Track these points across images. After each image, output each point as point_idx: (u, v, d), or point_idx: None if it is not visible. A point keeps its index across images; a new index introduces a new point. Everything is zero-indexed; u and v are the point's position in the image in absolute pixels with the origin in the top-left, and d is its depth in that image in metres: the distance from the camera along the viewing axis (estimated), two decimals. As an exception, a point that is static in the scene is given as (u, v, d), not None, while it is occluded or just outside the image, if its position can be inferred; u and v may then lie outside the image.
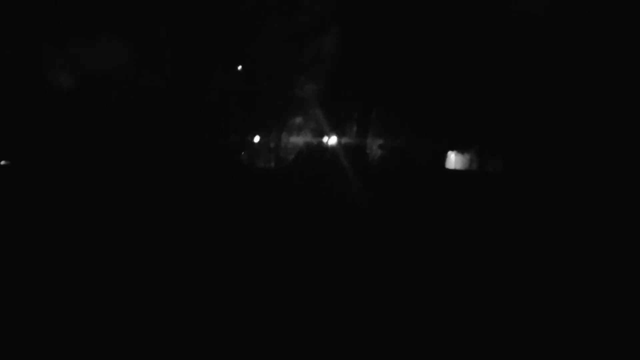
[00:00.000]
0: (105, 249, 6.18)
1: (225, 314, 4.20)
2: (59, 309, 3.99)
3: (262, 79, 15.09)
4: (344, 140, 16.93)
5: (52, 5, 11.82)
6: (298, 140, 17.72)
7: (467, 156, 17.73)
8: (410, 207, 10.82)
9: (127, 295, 4.66)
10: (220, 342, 3.73)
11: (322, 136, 17.55)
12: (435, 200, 11.16)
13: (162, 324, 3.96)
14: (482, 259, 6.61)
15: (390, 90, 15.54)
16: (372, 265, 6.22)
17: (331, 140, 17.68)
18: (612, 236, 7.12)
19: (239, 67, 15.56)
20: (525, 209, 9.69)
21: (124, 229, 7.22)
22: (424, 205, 10.91)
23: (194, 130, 14.46)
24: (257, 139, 17.97)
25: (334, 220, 9.37)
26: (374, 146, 17.14)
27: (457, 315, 4.37)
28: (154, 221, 8.00)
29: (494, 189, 13.33)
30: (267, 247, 6.89)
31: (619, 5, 12.37)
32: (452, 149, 17.99)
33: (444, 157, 18.09)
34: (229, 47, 14.30)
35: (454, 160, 17.72)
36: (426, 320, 4.24)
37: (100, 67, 12.87)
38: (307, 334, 3.90)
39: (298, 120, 17.16)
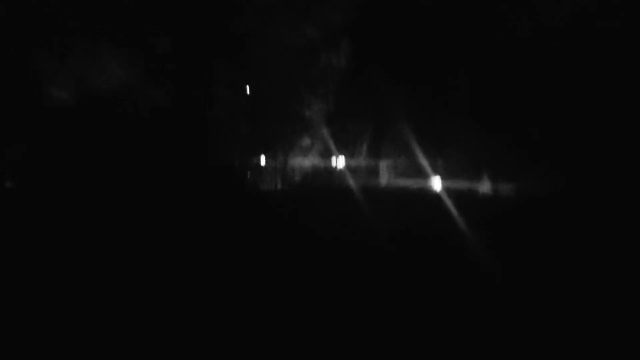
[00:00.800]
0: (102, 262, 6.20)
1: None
2: (59, 310, 3.98)
3: (268, 97, 14.54)
4: (353, 162, 16.37)
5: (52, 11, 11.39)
6: (305, 161, 17.16)
7: (480, 177, 17.07)
8: (423, 231, 10.21)
9: (127, 298, 4.73)
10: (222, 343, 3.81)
11: (330, 157, 17.04)
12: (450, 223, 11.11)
13: (163, 325, 4.01)
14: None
15: (404, 110, 15.05)
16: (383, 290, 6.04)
17: (340, 161, 17.15)
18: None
19: (246, 86, 15.04)
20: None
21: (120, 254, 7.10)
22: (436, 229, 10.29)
23: (196, 149, 13.85)
24: (263, 160, 17.35)
25: (342, 243, 8.82)
26: (384, 167, 16.52)
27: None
28: (154, 247, 7.83)
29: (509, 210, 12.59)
30: (271, 272, 6.69)
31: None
32: (464, 170, 17.35)
33: (454, 178, 17.48)
34: (233, 62, 13.79)
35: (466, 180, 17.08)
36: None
37: (100, 80, 12.38)
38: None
39: (306, 140, 16.60)
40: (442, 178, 18.01)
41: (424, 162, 16.51)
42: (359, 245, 8.67)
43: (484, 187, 17.08)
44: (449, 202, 14.38)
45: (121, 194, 11.57)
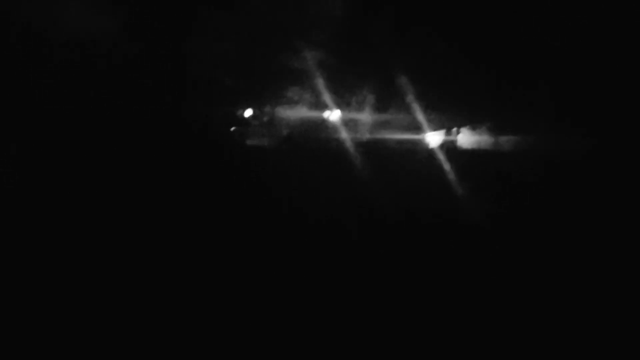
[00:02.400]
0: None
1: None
2: (59, 309, 3.93)
3: (255, 42, 13.21)
4: (348, 115, 15.23)
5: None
6: (296, 114, 15.97)
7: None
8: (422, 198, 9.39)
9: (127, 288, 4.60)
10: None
11: (322, 110, 15.85)
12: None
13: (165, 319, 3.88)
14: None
15: (405, 61, 13.86)
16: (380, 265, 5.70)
17: (333, 115, 15.96)
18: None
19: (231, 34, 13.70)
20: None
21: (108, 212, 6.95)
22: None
23: (174, 100, 12.63)
24: (248, 112, 16.14)
25: (333, 213, 8.07)
26: (381, 121, 15.46)
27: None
28: (135, 208, 7.53)
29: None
30: (257, 242, 6.34)
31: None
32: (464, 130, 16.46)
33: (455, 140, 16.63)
34: (215, 7, 12.42)
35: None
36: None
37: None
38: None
39: (296, 91, 15.37)
40: (441, 132, 17.16)
41: (423, 116, 15.55)
42: (354, 213, 7.85)
43: (485, 140, 16.25)
44: (446, 159, 13.48)
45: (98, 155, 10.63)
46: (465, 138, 15.98)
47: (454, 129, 16.00)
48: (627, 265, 5.55)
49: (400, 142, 15.69)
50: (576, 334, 3.87)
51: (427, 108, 16.03)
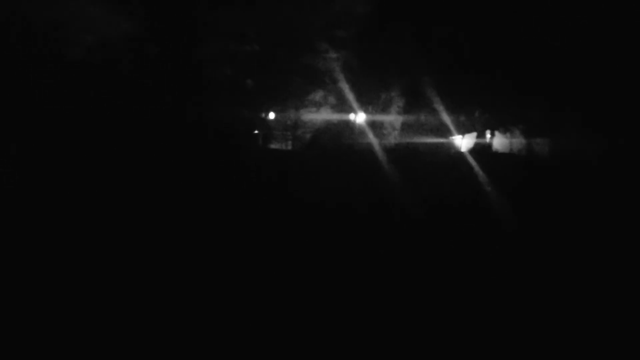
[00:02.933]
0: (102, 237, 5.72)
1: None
2: (58, 307, 3.74)
3: (278, 44, 12.81)
4: (374, 118, 14.71)
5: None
6: (319, 117, 15.52)
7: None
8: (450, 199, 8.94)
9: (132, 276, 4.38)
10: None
11: (348, 113, 15.34)
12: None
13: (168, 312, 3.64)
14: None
15: (434, 62, 13.33)
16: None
17: (359, 118, 15.42)
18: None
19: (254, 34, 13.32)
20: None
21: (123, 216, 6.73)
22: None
23: (196, 104, 12.30)
24: (272, 115, 15.77)
25: (359, 215, 7.73)
26: (406, 126, 14.90)
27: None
28: (155, 213, 7.25)
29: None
30: (280, 242, 6.00)
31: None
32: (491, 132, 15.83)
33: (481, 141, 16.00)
34: (238, 6, 12.04)
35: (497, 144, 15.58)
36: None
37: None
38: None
39: (320, 94, 14.92)
40: (472, 135, 16.53)
41: (453, 118, 14.96)
42: (379, 221, 7.51)
43: (511, 145, 15.58)
44: (479, 162, 12.84)
45: (119, 152, 10.65)
46: (499, 141, 15.33)
47: (487, 132, 15.36)
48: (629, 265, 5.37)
49: (430, 146, 15.14)
50: (576, 334, 3.67)
51: (457, 110, 15.45)
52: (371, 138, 15.09)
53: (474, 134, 15.86)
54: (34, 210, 7.00)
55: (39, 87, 10.49)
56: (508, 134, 15.70)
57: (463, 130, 16.67)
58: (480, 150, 15.02)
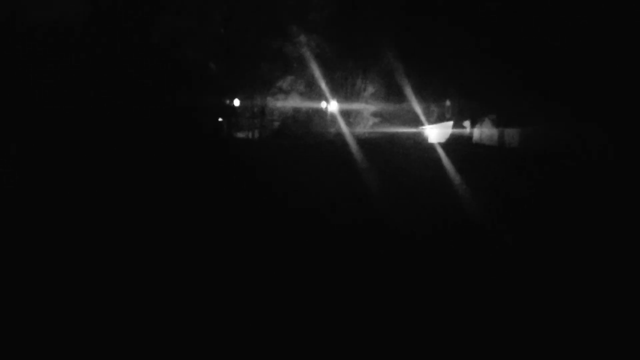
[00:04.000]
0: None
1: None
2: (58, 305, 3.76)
3: (244, 23, 11.98)
4: (345, 106, 13.99)
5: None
6: (288, 105, 14.71)
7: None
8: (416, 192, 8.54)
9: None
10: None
11: (319, 101, 14.55)
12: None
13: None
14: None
15: (410, 48, 12.64)
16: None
17: (330, 106, 14.63)
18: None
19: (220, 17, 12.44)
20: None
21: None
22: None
23: (153, 89, 11.40)
24: (237, 102, 14.93)
25: (328, 211, 7.23)
26: (382, 114, 14.27)
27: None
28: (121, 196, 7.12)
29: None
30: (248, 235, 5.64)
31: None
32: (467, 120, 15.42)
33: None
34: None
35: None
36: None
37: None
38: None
39: (289, 80, 14.10)
40: (441, 125, 16.06)
41: (422, 108, 14.41)
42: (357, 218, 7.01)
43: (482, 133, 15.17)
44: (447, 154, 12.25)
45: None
46: (478, 131, 14.89)
47: (467, 122, 14.87)
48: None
49: (401, 136, 14.56)
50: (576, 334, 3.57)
51: (429, 99, 14.94)
52: (342, 127, 14.48)
53: (447, 124, 15.38)
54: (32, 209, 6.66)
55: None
56: (488, 124, 15.23)
57: (433, 120, 16.20)
58: (457, 141, 14.51)
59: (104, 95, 11.20)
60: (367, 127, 15.06)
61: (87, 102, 11.05)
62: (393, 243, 5.74)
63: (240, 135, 16.51)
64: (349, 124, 14.60)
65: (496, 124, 14.43)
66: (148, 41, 10.91)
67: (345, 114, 14.46)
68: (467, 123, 15.19)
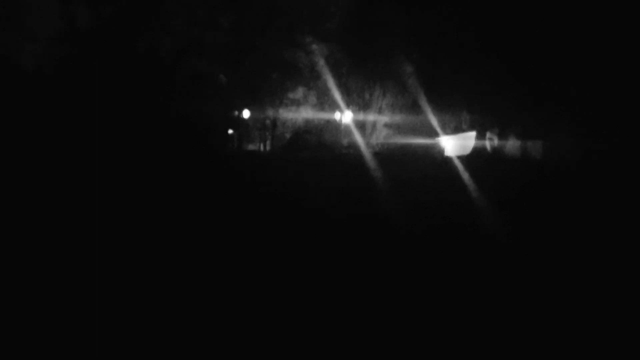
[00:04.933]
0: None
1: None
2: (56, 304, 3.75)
3: (255, 32, 11.59)
4: (360, 118, 13.49)
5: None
6: (301, 116, 14.26)
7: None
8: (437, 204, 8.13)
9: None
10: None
11: (332, 112, 14.06)
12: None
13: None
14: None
15: (426, 56, 12.14)
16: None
17: (344, 117, 14.11)
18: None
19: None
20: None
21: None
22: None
23: (163, 100, 11.03)
24: (247, 113, 14.53)
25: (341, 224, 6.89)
26: (397, 125, 13.74)
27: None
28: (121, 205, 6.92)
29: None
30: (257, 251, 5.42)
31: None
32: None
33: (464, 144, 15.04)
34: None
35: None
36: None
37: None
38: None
39: (301, 90, 13.66)
40: (458, 137, 15.50)
41: (441, 119, 13.86)
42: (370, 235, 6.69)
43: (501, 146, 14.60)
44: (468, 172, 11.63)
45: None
46: (499, 143, 14.34)
47: (488, 134, 14.32)
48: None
49: (417, 149, 14.01)
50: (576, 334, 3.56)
51: (449, 110, 14.43)
52: (356, 139, 14.00)
53: (466, 135, 14.82)
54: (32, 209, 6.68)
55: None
56: (510, 136, 14.65)
57: (451, 131, 15.61)
58: (478, 154, 13.89)
59: (106, 109, 10.85)
60: (381, 138, 14.57)
61: (90, 116, 10.71)
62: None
63: (251, 147, 16.12)
64: (362, 135, 14.12)
65: (520, 135, 13.83)
66: (153, 51, 10.52)
67: (359, 125, 13.98)
68: (489, 134, 14.60)
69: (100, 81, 9.98)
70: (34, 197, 7.19)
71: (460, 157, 12.93)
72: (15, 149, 9.39)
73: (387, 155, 13.97)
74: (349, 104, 13.70)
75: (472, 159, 13.05)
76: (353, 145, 14.10)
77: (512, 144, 14.11)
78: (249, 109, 13.80)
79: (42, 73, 10.67)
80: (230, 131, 14.52)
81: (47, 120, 10.04)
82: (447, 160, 13.65)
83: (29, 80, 10.55)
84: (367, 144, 13.67)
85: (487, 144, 14.24)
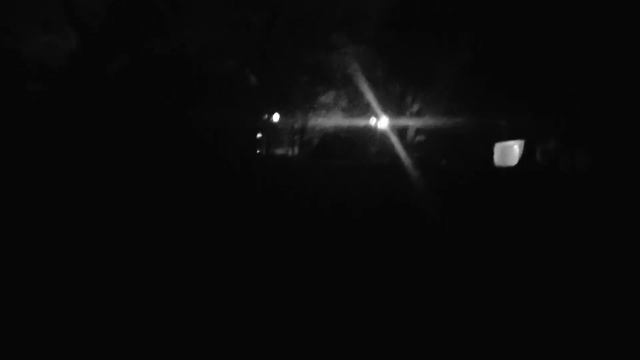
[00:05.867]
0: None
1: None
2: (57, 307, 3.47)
3: (286, 34, 11.16)
4: (396, 123, 12.93)
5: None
6: (331, 121, 13.78)
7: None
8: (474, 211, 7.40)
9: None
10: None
11: (368, 117, 13.52)
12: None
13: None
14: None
15: (461, 58, 11.53)
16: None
17: (381, 123, 13.54)
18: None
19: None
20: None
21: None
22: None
23: (191, 104, 10.66)
24: (276, 117, 14.12)
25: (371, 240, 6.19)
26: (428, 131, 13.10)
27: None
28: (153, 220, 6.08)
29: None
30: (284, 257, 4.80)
31: None
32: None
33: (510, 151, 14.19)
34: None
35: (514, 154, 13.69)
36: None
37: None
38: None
39: (332, 95, 13.19)
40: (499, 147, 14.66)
41: (486, 125, 13.09)
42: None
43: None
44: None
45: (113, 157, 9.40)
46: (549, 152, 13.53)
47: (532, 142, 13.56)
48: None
49: (462, 155, 13.14)
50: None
51: (497, 115, 13.72)
52: (391, 147, 13.39)
53: (512, 143, 13.86)
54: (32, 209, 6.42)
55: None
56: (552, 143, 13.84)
57: (499, 138, 14.52)
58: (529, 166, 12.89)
59: (126, 113, 10.54)
60: (419, 145, 13.96)
61: (108, 120, 10.42)
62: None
63: (279, 151, 15.70)
64: (398, 142, 13.51)
65: (571, 143, 12.93)
66: (183, 54, 10.17)
67: (396, 131, 13.37)
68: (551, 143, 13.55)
69: (117, 84, 9.71)
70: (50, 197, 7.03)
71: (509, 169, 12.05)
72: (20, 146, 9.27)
73: (430, 158, 13.11)
74: (383, 110, 13.15)
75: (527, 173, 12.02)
76: (387, 154, 13.50)
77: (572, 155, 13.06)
78: (279, 112, 13.38)
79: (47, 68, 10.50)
80: (259, 135, 14.13)
81: (53, 116, 9.84)
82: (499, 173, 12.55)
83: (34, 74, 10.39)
84: (404, 152, 13.01)
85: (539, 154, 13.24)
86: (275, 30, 11.04)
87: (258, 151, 14.29)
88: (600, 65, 12.15)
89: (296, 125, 13.68)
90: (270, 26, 11.05)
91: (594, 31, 11.98)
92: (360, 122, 13.65)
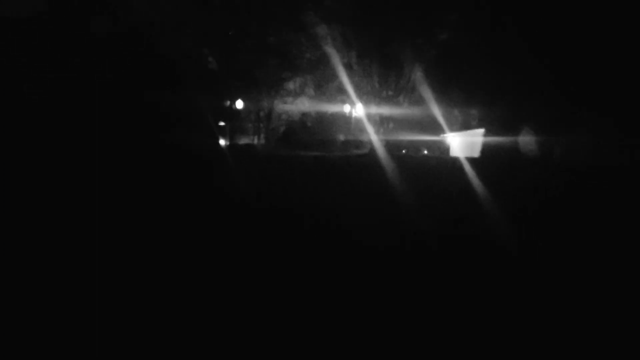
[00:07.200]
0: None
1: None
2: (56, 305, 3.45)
3: (249, 13, 10.18)
4: (368, 110, 12.12)
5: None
6: (298, 108, 12.91)
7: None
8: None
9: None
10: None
11: (341, 105, 12.68)
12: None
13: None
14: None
15: (438, 41, 10.80)
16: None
17: (357, 109, 12.71)
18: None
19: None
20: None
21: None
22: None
23: (145, 88, 9.68)
24: (240, 104, 13.18)
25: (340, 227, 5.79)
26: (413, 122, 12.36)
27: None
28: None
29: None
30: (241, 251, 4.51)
31: None
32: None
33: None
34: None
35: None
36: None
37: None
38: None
39: (299, 80, 12.31)
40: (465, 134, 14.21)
41: (447, 114, 12.48)
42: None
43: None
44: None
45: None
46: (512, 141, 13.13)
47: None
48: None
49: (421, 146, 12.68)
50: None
51: (459, 105, 13.24)
52: (358, 133, 12.70)
53: (474, 132, 13.44)
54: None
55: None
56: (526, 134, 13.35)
57: (458, 127, 14.25)
58: (490, 154, 12.54)
59: (80, 96, 9.62)
60: (385, 133, 13.30)
61: (67, 101, 9.57)
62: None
63: (244, 140, 14.77)
64: (370, 130, 12.75)
65: (538, 133, 12.45)
66: (135, 31, 9.13)
67: (367, 119, 12.63)
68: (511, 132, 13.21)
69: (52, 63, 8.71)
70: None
71: (469, 159, 11.54)
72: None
73: (399, 148, 12.58)
74: (360, 96, 12.32)
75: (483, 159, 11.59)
76: (349, 141, 12.85)
77: (527, 142, 12.72)
78: (243, 99, 12.42)
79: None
80: (221, 123, 13.16)
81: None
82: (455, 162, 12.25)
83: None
84: (379, 140, 12.30)
85: (496, 141, 12.80)
86: (238, 5, 10.07)
87: (221, 141, 13.39)
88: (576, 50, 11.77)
89: (262, 113, 12.74)
90: (232, 3, 10.07)
91: (578, 14, 11.56)
92: (331, 109, 12.85)
